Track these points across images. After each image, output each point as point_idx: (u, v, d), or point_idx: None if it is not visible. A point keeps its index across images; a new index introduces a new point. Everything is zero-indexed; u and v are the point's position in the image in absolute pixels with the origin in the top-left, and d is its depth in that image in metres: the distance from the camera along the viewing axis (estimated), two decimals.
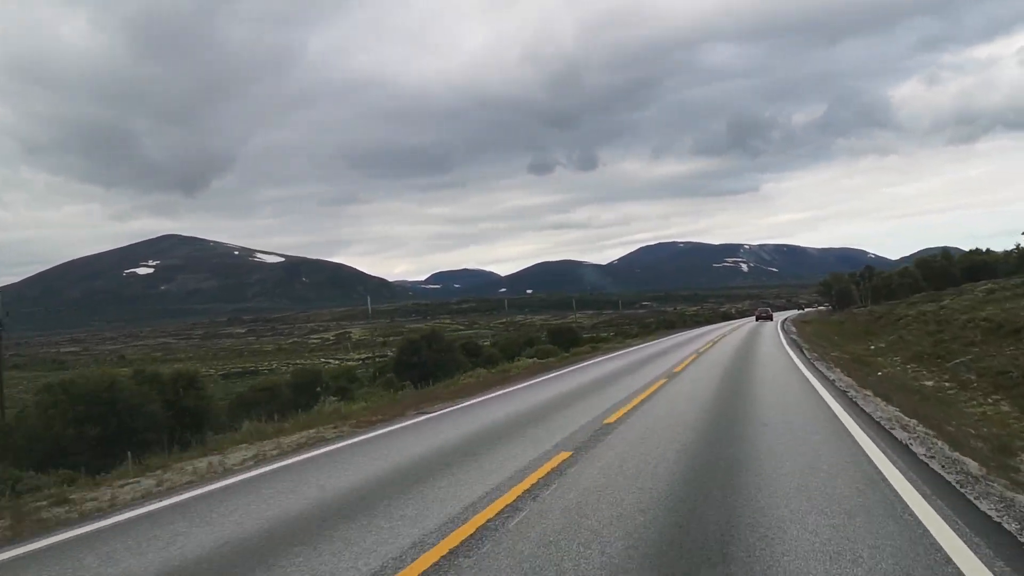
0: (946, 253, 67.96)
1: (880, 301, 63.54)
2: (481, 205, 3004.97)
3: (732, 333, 46.70)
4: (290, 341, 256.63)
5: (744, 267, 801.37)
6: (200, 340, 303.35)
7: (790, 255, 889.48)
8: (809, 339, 35.11)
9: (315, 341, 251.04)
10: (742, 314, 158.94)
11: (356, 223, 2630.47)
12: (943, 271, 64.62)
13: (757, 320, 79.34)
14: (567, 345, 49.39)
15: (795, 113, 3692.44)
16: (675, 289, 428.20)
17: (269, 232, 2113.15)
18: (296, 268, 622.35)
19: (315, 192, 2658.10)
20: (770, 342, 33.93)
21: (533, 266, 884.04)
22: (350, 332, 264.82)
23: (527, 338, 51.74)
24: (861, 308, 64.62)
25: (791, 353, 24.54)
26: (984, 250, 67.93)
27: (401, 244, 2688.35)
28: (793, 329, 47.59)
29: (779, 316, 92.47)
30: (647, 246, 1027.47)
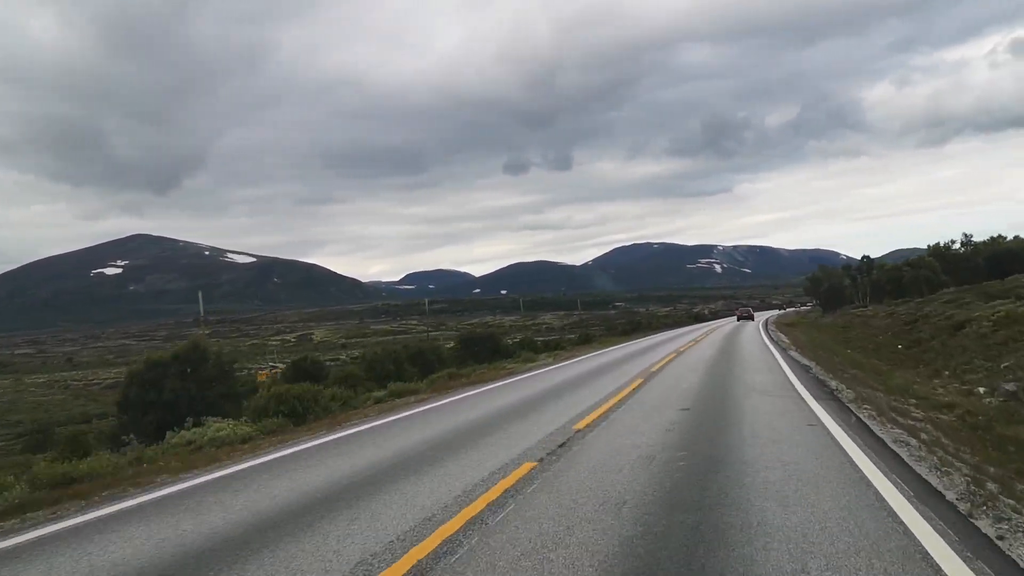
0: (967, 240, 54.23)
1: (883, 299, 50.04)
2: (456, 205, 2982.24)
3: (697, 346, 32.28)
4: (249, 343, 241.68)
5: (718, 268, 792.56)
6: (160, 342, 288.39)
7: (763, 256, 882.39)
8: (823, 360, 20.74)
9: (275, 343, 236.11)
10: (715, 315, 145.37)
11: (331, 223, 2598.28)
12: (963, 262, 51.06)
13: (739, 320, 75.78)
14: (486, 359, 35.49)
15: (768, 115, 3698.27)
16: (649, 290, 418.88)
17: (242, 232, 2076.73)
18: (268, 268, 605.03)
19: (289, 192, 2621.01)
20: (761, 364, 19.65)
21: (507, 267, 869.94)
22: (312, 333, 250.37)
23: (415, 351, 37.06)
24: (861, 308, 50.94)
25: (822, 414, 10.22)
26: (1010, 238, 54.36)
27: (376, 244, 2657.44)
28: (784, 339, 33.23)
29: (758, 317, 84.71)
30: (622, 247, 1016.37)
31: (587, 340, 46.28)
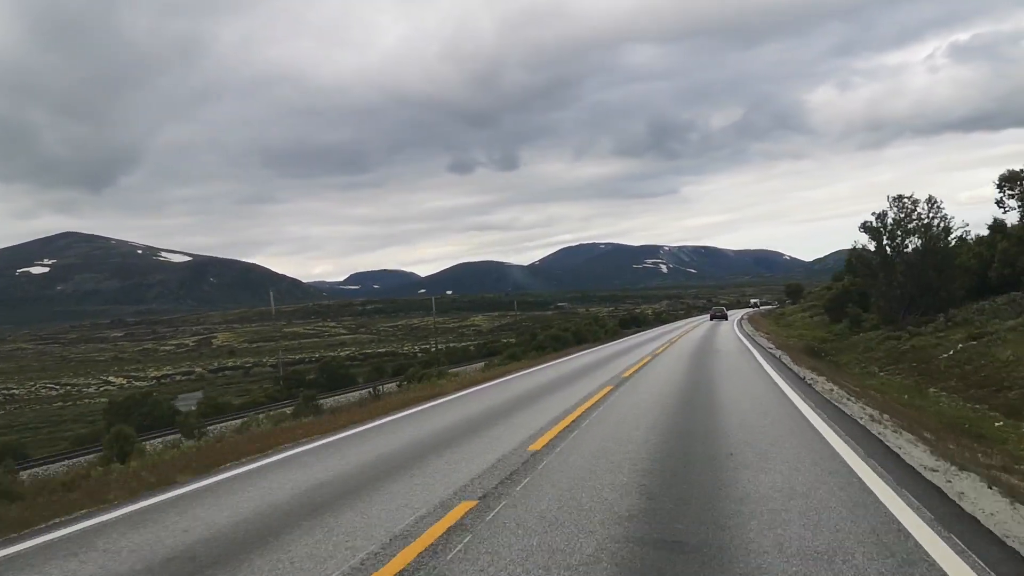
0: None
1: None
2: (401, 205, 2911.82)
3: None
4: (139, 348, 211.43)
5: (664, 268, 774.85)
6: (63, 346, 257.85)
7: (708, 256, 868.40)
8: None
9: (168, 348, 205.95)
10: (660, 317, 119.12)
11: (273, 223, 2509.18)
12: None
13: (712, 319, 74.61)
14: None
15: (713, 116, 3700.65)
16: (594, 289, 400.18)
17: (180, 231, 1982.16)
18: (203, 268, 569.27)
19: (229, 190, 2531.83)
20: None
21: (453, 267, 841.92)
22: (214, 337, 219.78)
23: None
24: None
25: None
26: None
27: (320, 245, 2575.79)
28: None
29: (717, 324, 65.09)
30: (568, 247, 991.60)
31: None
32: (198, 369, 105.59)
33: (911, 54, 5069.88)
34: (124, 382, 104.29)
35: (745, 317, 76.68)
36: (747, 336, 36.11)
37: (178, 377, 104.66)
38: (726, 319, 73.65)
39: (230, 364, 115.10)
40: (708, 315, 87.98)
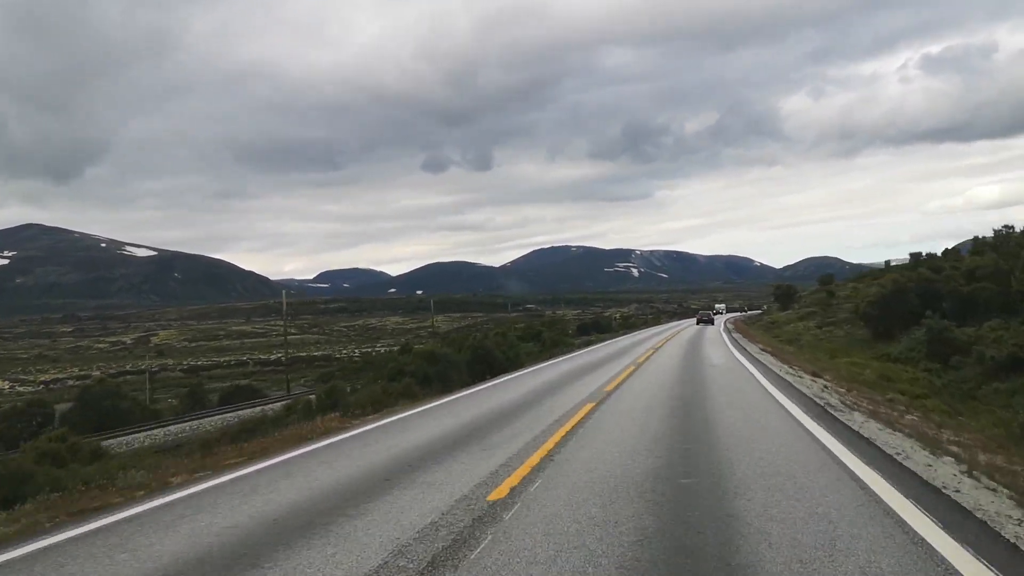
0: None
1: None
2: (374, 204, 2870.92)
3: None
4: (71, 345, 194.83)
5: (635, 272, 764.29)
6: (5, 341, 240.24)
7: (679, 261, 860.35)
8: None
9: (101, 346, 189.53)
10: (627, 322, 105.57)
11: (243, 219, 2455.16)
12: None
13: (698, 323, 72.86)
14: None
15: (688, 120, 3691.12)
16: (566, 292, 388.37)
17: (147, 225, 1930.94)
18: (168, 263, 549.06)
19: (200, 185, 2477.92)
20: None
21: (424, 267, 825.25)
22: (155, 335, 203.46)
23: None
24: None
25: None
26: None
27: (291, 242, 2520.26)
28: None
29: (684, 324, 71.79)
30: (541, 249, 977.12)
31: None
32: (96, 372, 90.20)
33: (884, 64, 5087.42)
34: (7, 387, 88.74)
35: (731, 326, 61.94)
36: (788, 388, 14.93)
37: (70, 382, 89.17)
38: (712, 323, 71.09)
39: (141, 367, 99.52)
40: (694, 319, 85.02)
